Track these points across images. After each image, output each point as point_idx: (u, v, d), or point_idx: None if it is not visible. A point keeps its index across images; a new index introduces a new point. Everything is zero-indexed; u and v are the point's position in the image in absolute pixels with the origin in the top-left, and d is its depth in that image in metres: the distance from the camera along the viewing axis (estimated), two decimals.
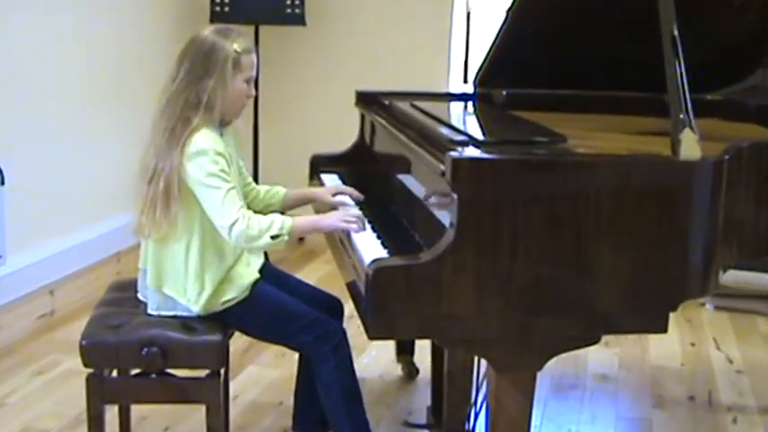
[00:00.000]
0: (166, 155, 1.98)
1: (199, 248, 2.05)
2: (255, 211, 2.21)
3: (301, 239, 4.27)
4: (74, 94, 3.51)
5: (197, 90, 1.99)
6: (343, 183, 2.67)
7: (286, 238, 1.97)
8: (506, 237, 1.72)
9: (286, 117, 4.69)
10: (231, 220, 1.95)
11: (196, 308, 2.07)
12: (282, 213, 2.34)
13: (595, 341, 1.81)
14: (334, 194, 2.34)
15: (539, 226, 1.72)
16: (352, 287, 1.94)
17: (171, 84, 2.03)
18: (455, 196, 1.71)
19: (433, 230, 1.91)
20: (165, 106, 2.02)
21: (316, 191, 2.40)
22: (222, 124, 2.11)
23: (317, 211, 2.47)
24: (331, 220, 2.06)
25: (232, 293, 2.08)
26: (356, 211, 2.17)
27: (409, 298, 1.70)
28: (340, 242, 2.12)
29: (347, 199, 2.34)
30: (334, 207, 2.29)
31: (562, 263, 1.74)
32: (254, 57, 2.07)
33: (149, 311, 2.13)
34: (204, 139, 1.98)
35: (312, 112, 4.64)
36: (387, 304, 1.70)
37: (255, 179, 3.93)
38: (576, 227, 1.74)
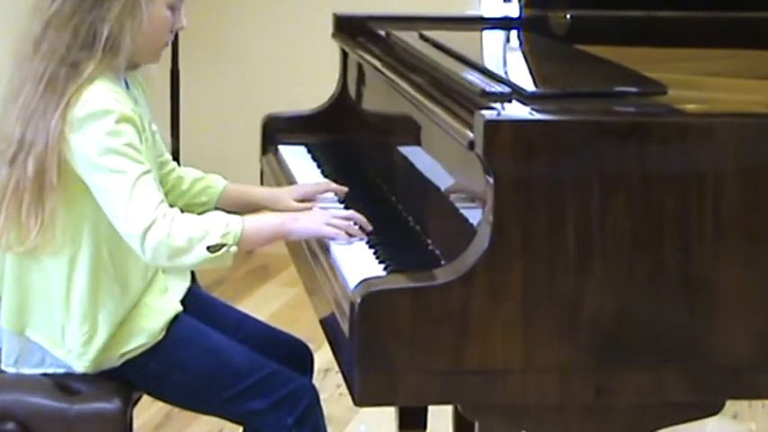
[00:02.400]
0: (39, 120, 1.96)
1: (89, 269, 2.04)
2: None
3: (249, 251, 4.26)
4: None
5: (92, 18, 1.99)
6: (314, 159, 2.67)
7: (233, 249, 1.96)
8: (572, 245, 1.72)
9: (222, 58, 4.68)
10: (144, 224, 1.93)
11: (81, 362, 2.06)
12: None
13: (715, 411, 1.82)
14: (300, 200, 2.31)
15: (625, 227, 1.73)
16: (328, 324, 1.94)
17: (48, 3, 2.01)
18: (490, 180, 1.72)
19: (455, 234, 1.90)
20: (39, 41, 2.00)
21: (271, 192, 2.37)
22: (128, 68, 2.10)
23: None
24: (308, 222, 2.05)
25: (139, 338, 2.06)
26: (344, 212, 2.16)
27: (418, 341, 1.70)
28: (310, 253, 2.12)
29: (327, 200, 2.33)
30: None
31: (661, 285, 1.74)
32: None
33: (3, 367, 2.12)
34: (101, 97, 1.96)
35: (264, 49, 4.63)
36: (383, 351, 1.70)
37: (176, 159, 3.92)
38: (684, 229, 1.74)
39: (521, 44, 2.63)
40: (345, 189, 2.33)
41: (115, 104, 1.96)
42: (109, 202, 1.96)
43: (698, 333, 1.76)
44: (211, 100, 4.66)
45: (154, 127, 2.20)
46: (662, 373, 1.76)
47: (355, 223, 2.06)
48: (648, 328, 1.74)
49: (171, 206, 2.00)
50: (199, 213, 2.22)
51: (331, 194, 2.32)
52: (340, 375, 1.82)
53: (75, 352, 2.06)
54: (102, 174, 1.95)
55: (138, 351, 2.07)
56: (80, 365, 2.07)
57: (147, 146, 2.05)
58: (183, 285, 2.22)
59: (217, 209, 2.28)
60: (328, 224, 2.02)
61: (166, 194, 2.25)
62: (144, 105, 2.14)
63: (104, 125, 1.95)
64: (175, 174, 2.31)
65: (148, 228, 1.92)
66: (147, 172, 1.97)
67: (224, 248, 1.94)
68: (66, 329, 2.05)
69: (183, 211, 2.00)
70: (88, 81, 1.97)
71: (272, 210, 2.33)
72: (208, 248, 1.94)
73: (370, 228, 2.06)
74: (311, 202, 2.29)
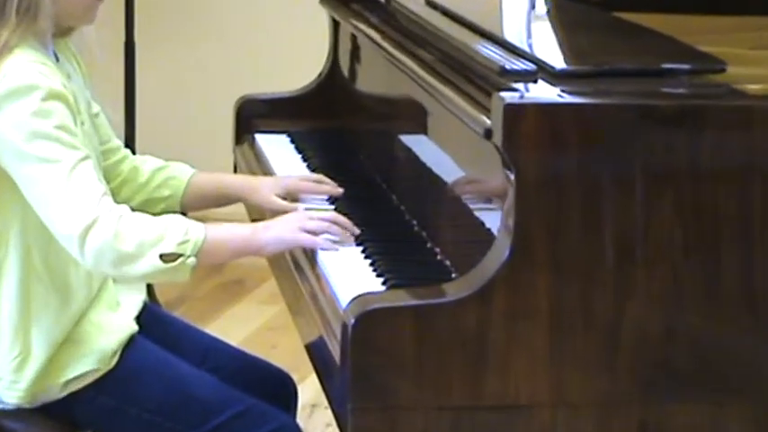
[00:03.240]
0: None
1: (18, 277, 2.04)
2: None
3: None
4: None
5: None
6: (298, 151, 2.67)
7: (191, 261, 1.95)
8: (611, 254, 1.72)
9: (187, 27, 4.67)
10: (84, 223, 1.92)
11: (14, 393, 2.05)
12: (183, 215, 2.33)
13: None
14: (283, 195, 2.32)
15: (674, 233, 1.72)
16: (315, 351, 1.94)
17: None
18: (511, 176, 1.71)
19: (469, 241, 1.90)
20: None
21: (249, 182, 2.39)
22: (58, 35, 2.10)
23: (254, 218, 2.46)
24: (281, 230, 2.05)
25: (85, 363, 2.05)
26: (331, 214, 2.16)
27: (425, 370, 1.70)
28: (293, 263, 2.12)
29: (313, 199, 2.34)
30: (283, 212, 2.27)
31: (719, 302, 1.74)
32: None
33: None
34: (23, 70, 1.97)
35: (238, 17, 4.62)
36: (382, 383, 1.70)
37: (131, 148, 3.91)
38: (746, 234, 1.74)
39: (548, 11, 2.62)
40: (340, 190, 2.33)
41: (41, 78, 1.96)
42: (40, 198, 1.95)
43: (763, 359, 1.75)
44: (174, 78, 4.65)
45: (95, 108, 2.20)
46: (720, 408, 1.76)
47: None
48: (703, 354, 1.74)
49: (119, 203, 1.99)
50: (161, 211, 2.24)
51: (323, 193, 2.33)
52: (329, 412, 1.82)
53: (5, 380, 2.05)
54: (29, 164, 1.94)
55: (86, 380, 2.06)
56: (12, 397, 2.06)
57: (84, 131, 2.04)
58: (137, 299, 2.22)
59: (183, 211, 2.28)
60: (305, 229, 2.02)
61: (119, 188, 2.26)
62: (79, 82, 2.14)
63: (29, 104, 1.94)
64: (129, 163, 2.31)
65: (90, 226, 1.91)
66: (85, 159, 1.96)
67: (180, 259, 1.93)
68: None
69: (135, 210, 1.99)
70: (6, 51, 1.97)
71: (248, 202, 2.35)
72: (161, 257, 1.93)
73: (357, 231, 2.06)
74: (296, 202, 2.30)
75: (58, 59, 2.08)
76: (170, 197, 2.30)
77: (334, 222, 2.07)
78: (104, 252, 1.92)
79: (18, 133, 1.94)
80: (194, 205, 2.34)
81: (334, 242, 2.04)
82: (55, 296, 2.06)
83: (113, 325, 2.11)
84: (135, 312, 2.18)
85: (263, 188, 2.33)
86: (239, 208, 2.45)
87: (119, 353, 2.09)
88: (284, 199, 2.30)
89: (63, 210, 1.93)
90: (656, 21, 2.32)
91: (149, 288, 2.32)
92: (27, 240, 2.03)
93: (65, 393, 2.07)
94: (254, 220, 2.39)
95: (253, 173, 2.62)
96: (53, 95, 1.96)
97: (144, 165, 2.32)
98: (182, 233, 1.94)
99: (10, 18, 1.97)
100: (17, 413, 2.07)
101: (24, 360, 2.04)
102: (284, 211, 2.24)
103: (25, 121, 1.94)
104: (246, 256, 2.05)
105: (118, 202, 2.03)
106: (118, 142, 2.31)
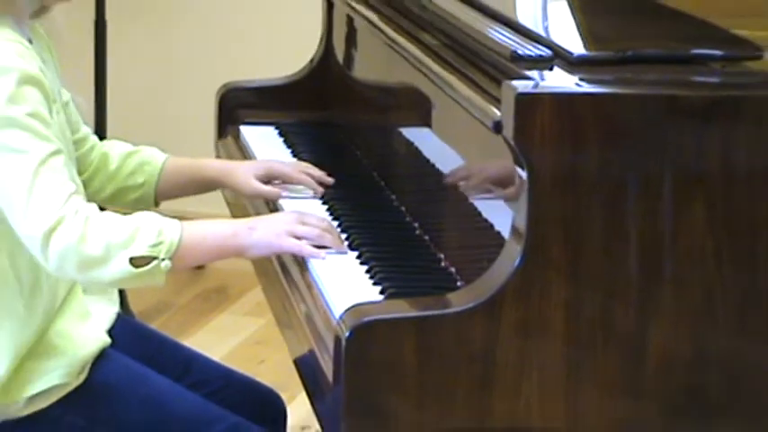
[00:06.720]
0: None
1: None
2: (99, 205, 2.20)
3: (199, 266, 4.29)
4: None
5: None
6: (288, 145, 2.69)
7: (165, 264, 1.97)
8: (634, 263, 1.72)
9: (165, 5, 4.66)
10: (48, 224, 1.93)
11: None
12: (156, 204, 2.36)
13: None
14: (268, 181, 2.35)
15: (706, 240, 1.72)
16: (305, 367, 1.95)
17: None
18: (523, 175, 1.72)
19: (476, 246, 1.91)
20: None
21: (227, 167, 2.41)
22: (34, 16, 2.11)
23: (234, 211, 2.48)
24: (267, 231, 2.06)
25: (51, 377, 2.05)
26: (325, 222, 2.16)
27: (427, 389, 1.71)
28: (281, 269, 2.13)
29: (302, 190, 2.36)
30: (263, 196, 2.32)
31: (756, 319, 1.74)
32: None
33: None
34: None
35: None
36: (380, 403, 1.70)
37: (100, 134, 3.88)
38: None
39: None
40: (330, 180, 2.35)
41: (17, 60, 1.98)
42: (3, 193, 1.96)
43: None
44: (149, 62, 4.64)
45: (65, 95, 2.22)
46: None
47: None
48: (738, 381, 1.74)
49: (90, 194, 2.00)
50: (135, 199, 2.29)
51: (305, 184, 2.36)
52: None
53: None
54: None
55: (52, 397, 2.07)
56: None
57: (59, 121, 2.06)
58: (110, 310, 2.22)
59: (157, 200, 2.33)
60: (294, 234, 2.03)
61: (91, 179, 2.28)
62: (52, 68, 2.15)
63: (1, 87, 1.95)
64: (98, 151, 2.34)
65: (54, 228, 1.92)
66: (57, 153, 1.97)
67: (153, 262, 1.95)
68: None
69: (108, 200, 1.99)
70: None
71: (226, 186, 2.38)
72: (131, 261, 1.94)
73: (347, 251, 2.08)
74: (277, 185, 2.34)
75: (31, 43, 2.09)
76: (144, 184, 2.34)
77: (328, 232, 2.08)
78: (68, 255, 1.93)
79: None
80: (169, 193, 2.38)
81: (321, 251, 2.03)
82: (21, 302, 2.06)
83: (83, 336, 2.11)
84: (107, 324, 2.19)
85: (241, 171, 2.36)
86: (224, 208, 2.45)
87: (88, 366, 2.09)
88: (267, 182, 2.34)
89: (26, 207, 1.94)
90: (686, 1, 2.30)
91: (122, 298, 2.31)
92: None
93: (28, 411, 2.08)
94: (234, 217, 2.41)
95: None
96: (28, 80, 1.97)
97: (112, 150, 2.35)
98: (154, 234, 1.96)
99: None
100: None
101: None
102: (263, 196, 2.29)
103: None
104: (226, 258, 2.07)
105: (89, 194, 2.03)
106: (87, 130, 2.34)
